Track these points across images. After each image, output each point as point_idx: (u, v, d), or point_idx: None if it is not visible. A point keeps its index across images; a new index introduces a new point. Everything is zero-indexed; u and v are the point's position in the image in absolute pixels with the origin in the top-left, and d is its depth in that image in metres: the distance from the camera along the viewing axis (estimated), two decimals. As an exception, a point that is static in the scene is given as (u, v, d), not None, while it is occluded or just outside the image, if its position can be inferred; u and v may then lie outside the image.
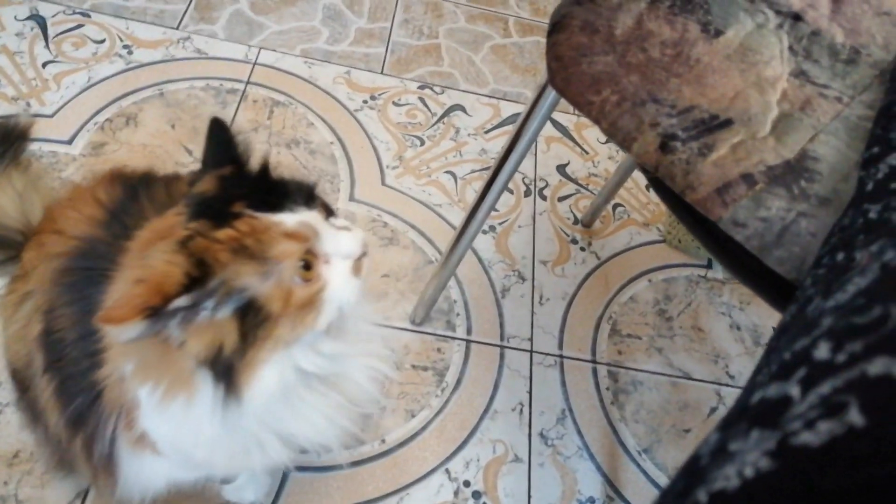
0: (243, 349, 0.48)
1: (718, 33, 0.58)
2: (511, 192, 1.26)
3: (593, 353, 1.09)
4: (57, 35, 1.23)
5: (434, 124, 1.32)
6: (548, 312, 1.13)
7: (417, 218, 1.18)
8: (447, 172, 1.26)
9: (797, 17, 0.62)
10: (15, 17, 1.24)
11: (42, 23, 1.24)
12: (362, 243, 0.54)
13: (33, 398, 0.66)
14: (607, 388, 1.06)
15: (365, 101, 1.31)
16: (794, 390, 0.24)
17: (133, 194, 0.70)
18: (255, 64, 1.30)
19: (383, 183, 1.21)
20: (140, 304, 0.44)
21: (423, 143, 1.28)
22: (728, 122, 0.53)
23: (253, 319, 0.49)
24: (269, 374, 0.50)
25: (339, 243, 0.52)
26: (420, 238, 1.16)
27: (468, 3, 1.55)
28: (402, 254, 1.14)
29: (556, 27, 0.59)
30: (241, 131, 0.58)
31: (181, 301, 0.45)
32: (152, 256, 0.50)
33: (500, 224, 1.21)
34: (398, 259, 1.13)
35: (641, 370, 1.09)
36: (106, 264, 0.57)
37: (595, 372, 1.07)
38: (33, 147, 1.08)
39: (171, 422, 0.53)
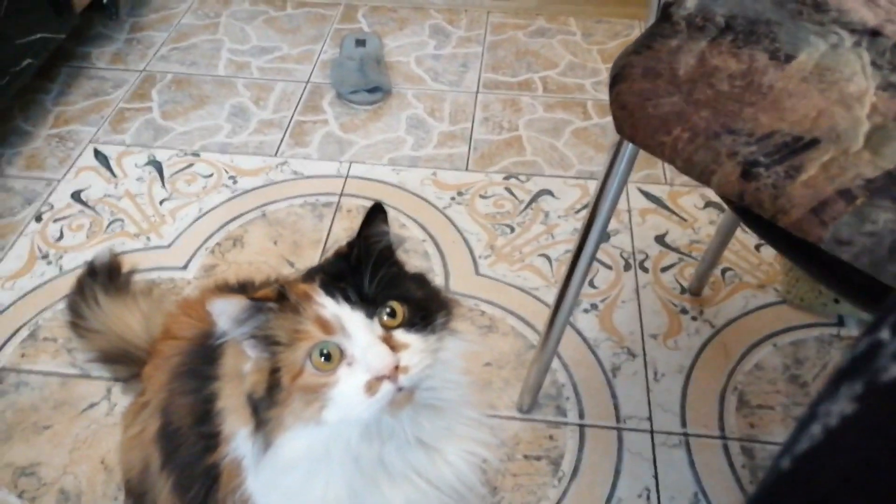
0: (268, 403, 0.51)
1: (789, 58, 0.56)
2: (610, 267, 1.22)
3: (721, 428, 1.00)
4: (171, 175, 1.37)
5: (522, 211, 1.32)
6: (665, 388, 1.05)
7: (514, 303, 1.16)
8: (541, 255, 1.24)
9: (875, 33, 0.59)
10: (135, 165, 1.39)
11: (159, 167, 1.38)
12: (387, 366, 0.49)
13: (151, 502, 0.68)
14: (743, 466, 0.96)
15: (452, 198, 1.34)
16: (885, 334, 0.21)
17: (239, 292, 0.75)
18: (346, 177, 1.37)
19: (477, 273, 1.21)
20: (255, 292, 0.50)
21: (513, 230, 1.29)
22: (814, 142, 0.50)
23: (273, 380, 0.51)
24: (294, 440, 0.51)
25: (365, 353, 0.49)
26: (519, 323, 1.14)
27: (544, 94, 1.59)
28: (503, 341, 1.11)
29: (617, 78, 0.58)
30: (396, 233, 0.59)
31: (266, 306, 0.50)
32: None
33: (602, 301, 1.17)
34: (499, 346, 1.10)
35: (780, 443, 0.98)
36: (218, 349, 0.60)
37: (727, 449, 0.98)
38: (154, 275, 1.18)
39: (255, 470, 0.55)
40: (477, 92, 1.59)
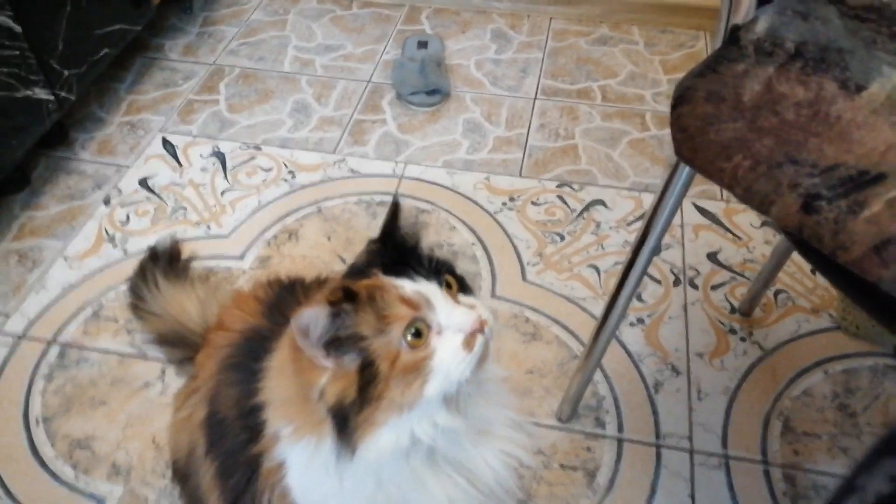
0: (361, 405, 0.51)
1: (860, 88, 0.55)
2: (659, 282, 1.21)
3: (764, 453, 0.98)
4: (234, 167, 1.41)
5: (574, 220, 1.32)
6: (708, 408, 1.04)
7: (560, 312, 1.17)
8: (590, 266, 1.24)
9: (953, 64, 0.57)
10: (200, 155, 1.44)
11: (222, 158, 1.43)
12: (476, 320, 0.54)
13: (195, 486, 0.71)
14: (784, 494, 0.94)
15: (504, 203, 1.35)
16: None
17: (289, 290, 0.78)
18: (401, 178, 1.40)
19: (524, 279, 1.22)
20: (323, 296, 0.51)
21: (563, 238, 1.29)
22: (881, 177, 0.49)
23: (367, 375, 0.51)
24: (384, 436, 0.52)
25: (451, 316, 0.53)
26: (564, 333, 1.14)
27: (603, 103, 1.58)
28: (546, 349, 1.12)
29: (680, 100, 0.58)
30: (412, 213, 0.62)
31: (345, 307, 0.51)
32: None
33: (649, 316, 1.17)
34: (542, 355, 1.11)
35: (825, 473, 0.96)
36: (266, 345, 0.63)
37: (768, 475, 0.96)
38: (212, 263, 1.22)
39: (303, 471, 0.57)
40: (535, 98, 1.59)
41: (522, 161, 1.45)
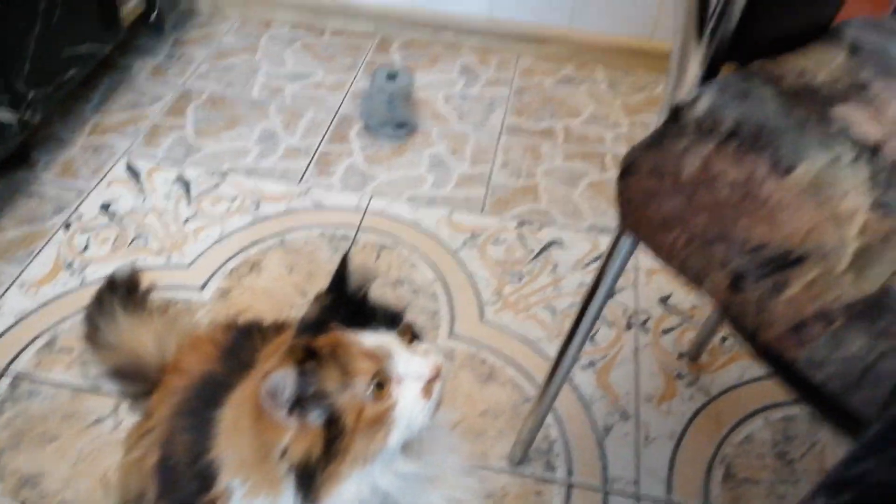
0: (326, 460, 0.53)
1: (789, 170, 0.59)
2: (612, 325, 1.24)
3: (706, 498, 1.01)
4: (198, 194, 1.41)
5: (532, 260, 1.35)
6: (654, 453, 1.07)
7: (516, 353, 1.19)
8: (546, 307, 1.27)
9: (875, 150, 0.61)
10: (164, 181, 1.44)
11: (186, 185, 1.43)
12: (433, 367, 0.57)
13: (145, 532, 0.71)
14: (724, 540, 0.97)
15: (465, 241, 1.37)
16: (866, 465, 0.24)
17: (247, 334, 0.78)
18: (365, 211, 1.41)
19: (482, 319, 1.24)
20: (287, 357, 0.52)
21: (521, 278, 1.31)
22: (802, 259, 0.52)
23: (333, 431, 0.53)
24: (347, 489, 0.54)
25: (410, 365, 0.56)
26: (519, 374, 1.16)
27: (565, 142, 1.62)
28: (501, 390, 1.14)
29: (626, 171, 0.61)
30: (362, 265, 0.65)
31: (309, 366, 0.52)
32: (267, 362, 0.57)
33: (602, 359, 1.19)
34: (497, 396, 1.13)
35: (762, 520, 0.99)
36: (221, 392, 0.64)
37: (709, 520, 0.99)
38: (171, 294, 1.22)
39: None
40: (500, 135, 1.63)
41: (485, 198, 1.47)
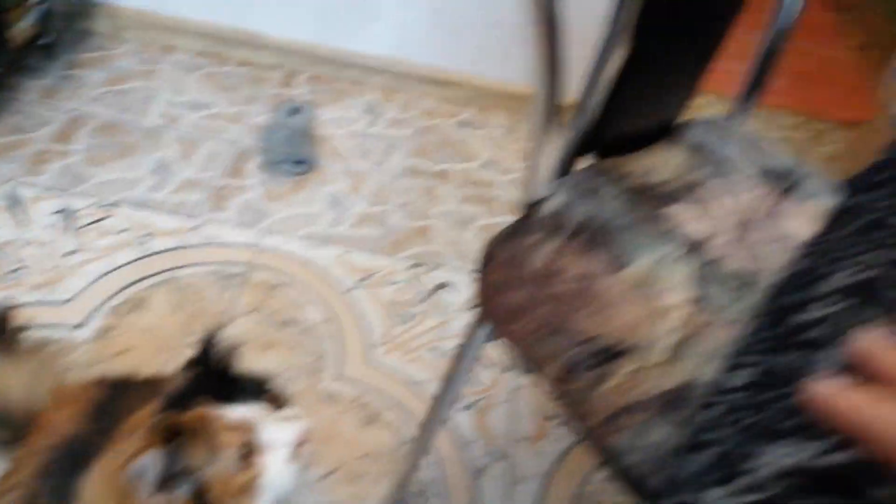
0: None
1: (623, 266, 0.66)
2: (492, 367, 1.31)
3: (567, 538, 1.09)
4: (83, 226, 1.38)
5: (422, 301, 1.40)
6: (525, 493, 1.14)
7: (401, 395, 1.24)
8: (432, 349, 1.32)
9: (700, 246, 0.70)
10: (48, 211, 1.40)
11: (71, 215, 1.40)
12: (300, 433, 0.61)
13: None
14: (580, 578, 1.05)
15: (358, 281, 1.41)
16: None
17: (120, 390, 0.79)
18: (259, 248, 1.42)
19: (369, 361, 1.28)
20: (152, 437, 0.53)
21: (410, 319, 1.37)
22: (624, 352, 0.60)
23: (201, 502, 0.55)
24: None
25: (276, 434, 0.60)
26: (402, 416, 1.21)
27: (460, 185, 1.69)
28: (383, 432, 1.18)
29: (484, 262, 0.67)
30: (227, 336, 0.68)
31: (175, 444, 0.54)
32: (132, 438, 0.58)
33: (480, 400, 1.26)
34: (379, 438, 1.17)
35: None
36: (86, 455, 0.65)
37: (568, 559, 1.07)
38: (47, 332, 1.19)
39: None
40: (398, 175, 1.68)
41: (380, 238, 1.52)
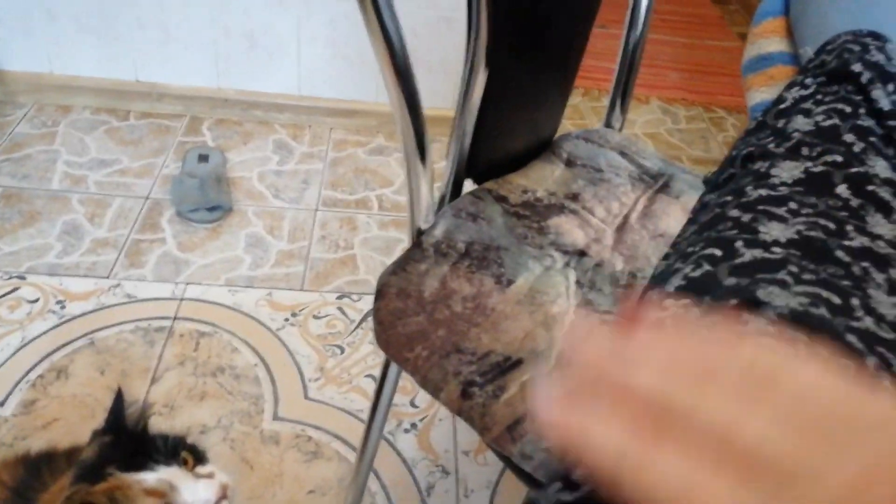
0: None
1: (510, 283, 0.70)
2: (428, 386, 1.34)
3: (515, 542, 1.13)
4: (-5, 303, 1.35)
5: (353, 331, 1.42)
6: (472, 504, 1.17)
7: (341, 427, 1.25)
8: (368, 376, 1.34)
9: (582, 254, 0.75)
10: (-45, 294, 1.36)
11: (-19, 294, 1.36)
12: (218, 489, 0.62)
13: None
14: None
15: (286, 319, 1.42)
16: None
17: (35, 471, 0.78)
18: (181, 300, 1.42)
19: (306, 397, 1.29)
20: None
21: (343, 351, 1.38)
22: (518, 363, 0.64)
23: None
24: None
25: (196, 493, 0.61)
26: (344, 447, 1.22)
27: (379, 212, 1.72)
28: (327, 466, 1.19)
29: (378, 295, 0.70)
30: (136, 400, 0.68)
31: None
32: None
33: (421, 420, 1.28)
34: (323, 473, 1.18)
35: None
36: None
37: (518, 562, 1.10)
38: (-34, 417, 1.16)
39: None
40: (316, 209, 1.70)
41: (304, 274, 1.53)
